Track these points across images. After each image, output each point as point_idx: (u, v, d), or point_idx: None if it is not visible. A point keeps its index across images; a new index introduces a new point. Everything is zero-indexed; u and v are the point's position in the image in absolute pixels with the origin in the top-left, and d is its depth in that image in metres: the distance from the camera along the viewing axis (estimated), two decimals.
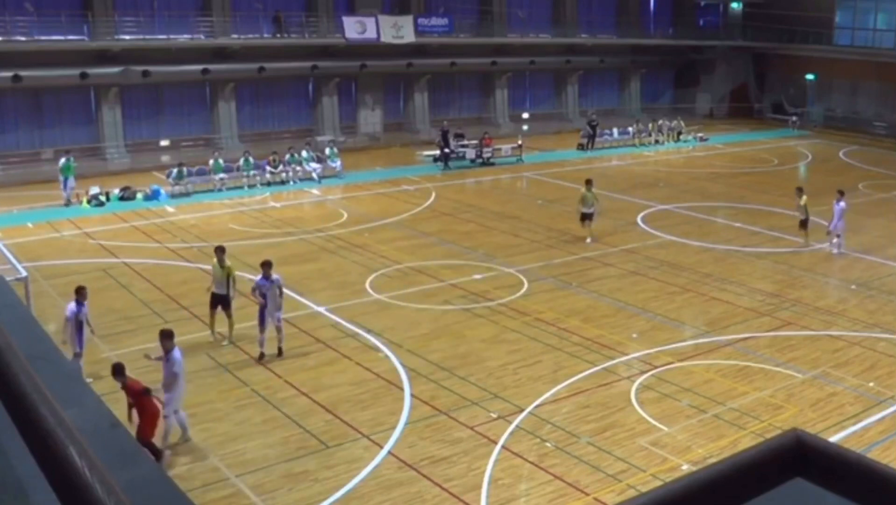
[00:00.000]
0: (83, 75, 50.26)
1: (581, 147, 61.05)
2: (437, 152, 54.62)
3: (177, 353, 18.60)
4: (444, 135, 54.87)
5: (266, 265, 23.51)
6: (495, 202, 43.03)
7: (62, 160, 44.31)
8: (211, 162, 47.03)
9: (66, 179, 44.08)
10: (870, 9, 72.31)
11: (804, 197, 33.97)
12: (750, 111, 78.53)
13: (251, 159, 47.76)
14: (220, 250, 24.85)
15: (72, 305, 21.13)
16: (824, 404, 20.43)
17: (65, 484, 2.98)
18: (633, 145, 62.23)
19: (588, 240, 35.08)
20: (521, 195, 47.75)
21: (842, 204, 33.28)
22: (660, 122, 65.22)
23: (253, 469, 17.48)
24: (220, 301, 24.42)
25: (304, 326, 25.42)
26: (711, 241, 35.39)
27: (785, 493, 3.78)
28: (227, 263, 24.64)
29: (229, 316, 24.46)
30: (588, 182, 35.61)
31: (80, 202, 42.59)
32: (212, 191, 45.71)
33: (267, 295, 23.09)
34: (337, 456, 17.96)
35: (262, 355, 23.09)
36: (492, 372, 22.18)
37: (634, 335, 24.80)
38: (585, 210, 35.27)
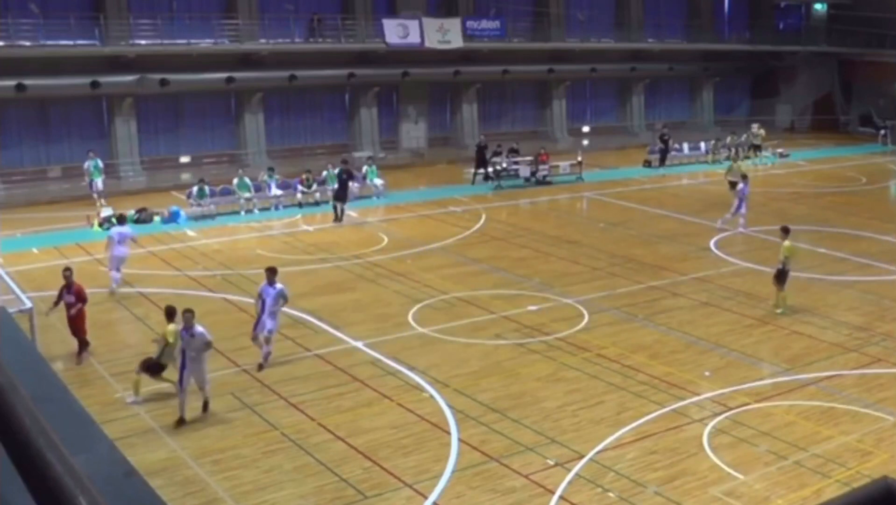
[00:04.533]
0: (94, 84, 50.71)
1: (648, 164, 60.93)
2: (483, 170, 54.61)
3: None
4: (481, 150, 54.78)
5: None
6: (552, 225, 42.94)
7: (87, 162, 45.25)
8: (235, 181, 46.94)
9: (92, 181, 44.87)
10: None
11: None
12: (835, 124, 78.13)
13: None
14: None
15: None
16: None
17: None
18: (707, 162, 61.88)
19: None
20: (581, 217, 47.72)
21: None
22: (744, 136, 64.87)
23: None
24: None
25: (339, 363, 25.29)
26: (792, 269, 35.07)
27: None
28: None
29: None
30: None
31: (91, 225, 42.76)
32: (237, 213, 46.03)
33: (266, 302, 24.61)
34: None
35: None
36: (548, 414, 22.02)
37: (707, 373, 24.56)
38: None
